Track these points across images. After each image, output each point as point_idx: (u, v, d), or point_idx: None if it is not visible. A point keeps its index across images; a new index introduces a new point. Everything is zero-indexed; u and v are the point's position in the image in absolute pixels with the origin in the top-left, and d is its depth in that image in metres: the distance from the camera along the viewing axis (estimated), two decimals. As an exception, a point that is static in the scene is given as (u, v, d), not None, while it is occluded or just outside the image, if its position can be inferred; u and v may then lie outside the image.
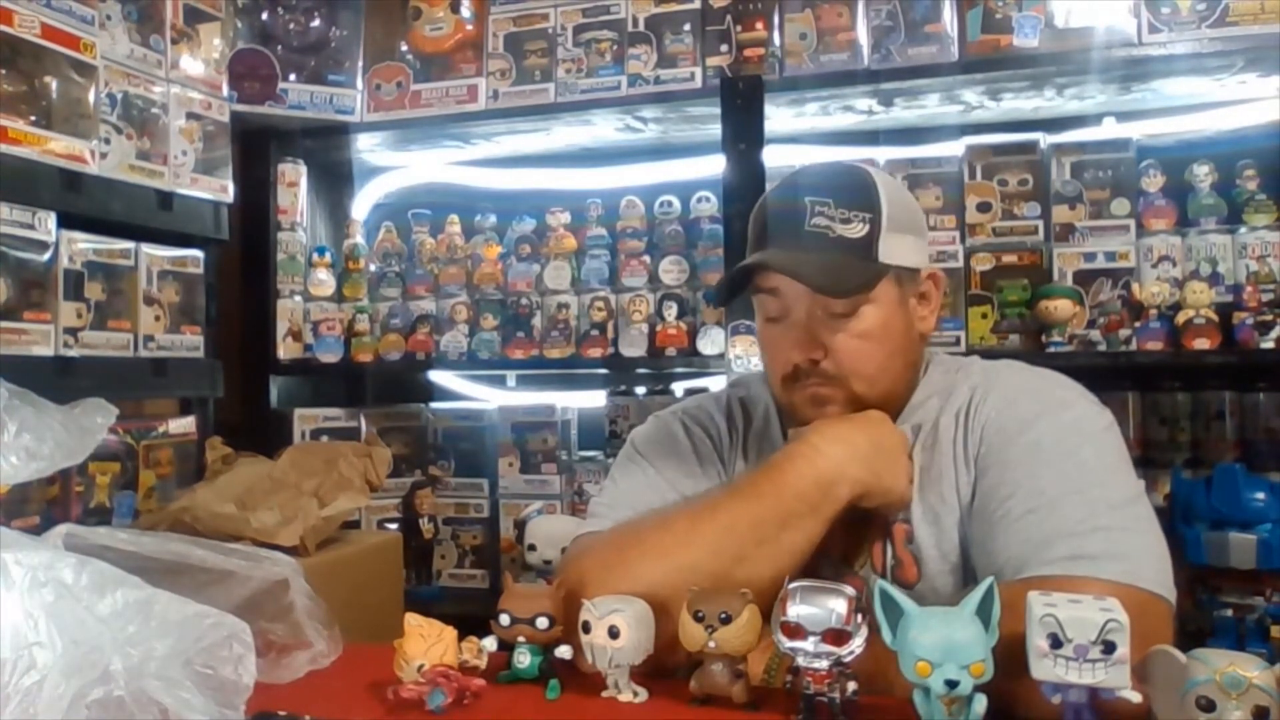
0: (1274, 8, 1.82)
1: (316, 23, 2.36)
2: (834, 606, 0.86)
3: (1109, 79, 2.00)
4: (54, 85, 1.73)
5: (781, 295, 1.14)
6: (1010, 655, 0.81)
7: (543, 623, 1.00)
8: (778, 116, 2.16)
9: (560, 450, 2.36)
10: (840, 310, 1.12)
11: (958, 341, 2.02)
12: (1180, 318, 1.86)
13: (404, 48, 2.38)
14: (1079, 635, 0.78)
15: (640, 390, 2.40)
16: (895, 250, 1.13)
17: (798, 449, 1.10)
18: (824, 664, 0.86)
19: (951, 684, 0.79)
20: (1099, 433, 1.08)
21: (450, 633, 0.99)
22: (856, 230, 1.11)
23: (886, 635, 0.84)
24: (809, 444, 1.09)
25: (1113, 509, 1.00)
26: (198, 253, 2.10)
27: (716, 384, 2.24)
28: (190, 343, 2.06)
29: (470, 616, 1.12)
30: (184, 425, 2.03)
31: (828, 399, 1.14)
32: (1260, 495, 1.67)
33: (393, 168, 2.69)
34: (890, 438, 1.12)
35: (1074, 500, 1.00)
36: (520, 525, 2.19)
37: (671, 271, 2.23)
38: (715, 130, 2.11)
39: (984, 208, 2.08)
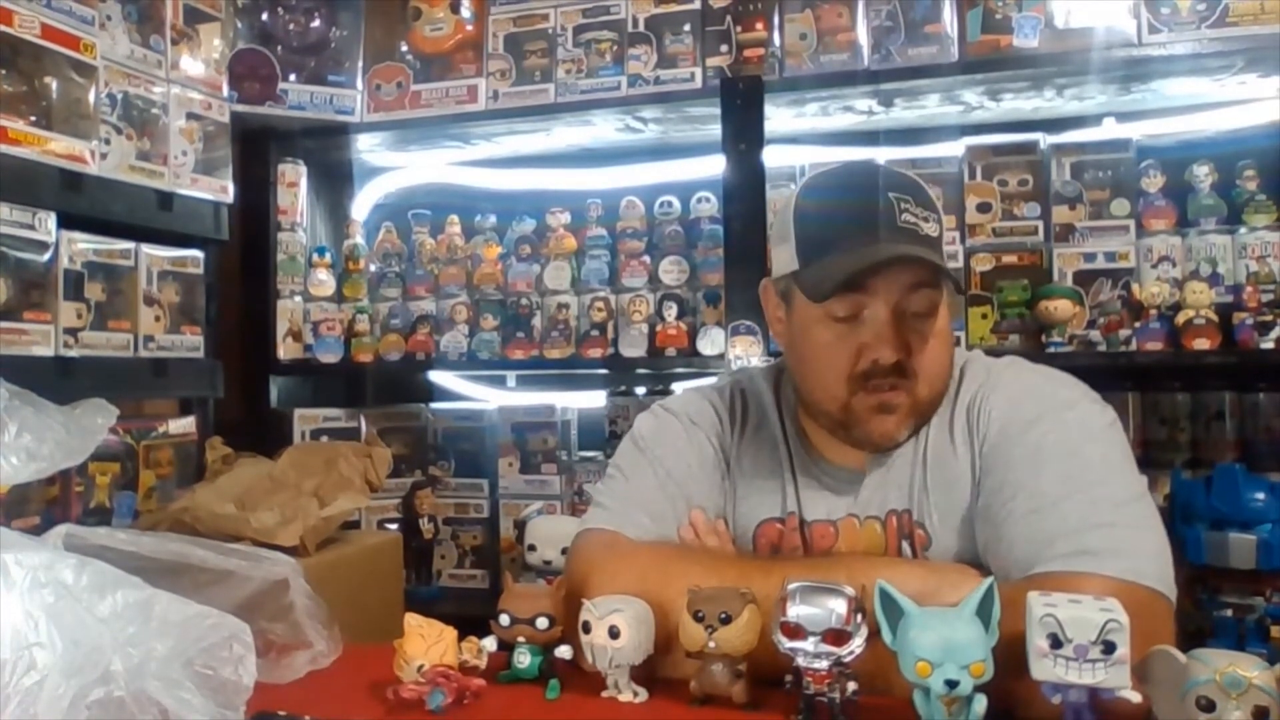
0: (1274, 8, 1.82)
1: (316, 23, 2.36)
2: (834, 607, 0.86)
3: (1109, 79, 2.00)
4: (54, 85, 1.73)
5: (871, 291, 1.08)
6: (1011, 655, 0.81)
7: (543, 623, 1.00)
8: (778, 117, 2.16)
9: (560, 450, 2.36)
10: (923, 310, 1.10)
11: (958, 342, 2.02)
12: (1180, 318, 1.86)
13: (404, 48, 2.38)
14: (1079, 635, 0.78)
15: (640, 390, 2.40)
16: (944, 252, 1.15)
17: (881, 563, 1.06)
18: (824, 664, 0.86)
19: (951, 684, 0.79)
20: (1101, 431, 1.08)
21: (450, 633, 0.99)
22: (933, 230, 1.11)
23: (886, 635, 0.84)
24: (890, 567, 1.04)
25: (1116, 507, 1.00)
26: (198, 253, 2.10)
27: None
28: (190, 343, 2.06)
29: (470, 616, 1.12)
30: (184, 425, 2.03)
31: (895, 405, 1.11)
32: (1260, 495, 1.66)
33: (393, 168, 2.69)
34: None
35: (1076, 499, 1.00)
36: (520, 525, 2.19)
37: (671, 272, 2.22)
38: (715, 130, 2.11)
39: (984, 208, 2.07)
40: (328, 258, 2.46)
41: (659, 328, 2.18)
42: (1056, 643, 0.78)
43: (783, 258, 1.16)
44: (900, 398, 1.10)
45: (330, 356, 2.39)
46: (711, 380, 1.40)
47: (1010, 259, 2.04)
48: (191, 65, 2.08)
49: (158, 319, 1.98)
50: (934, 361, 1.11)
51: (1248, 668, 0.74)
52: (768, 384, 1.29)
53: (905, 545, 1.14)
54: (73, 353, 1.76)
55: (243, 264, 2.38)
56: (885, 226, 1.08)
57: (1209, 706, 0.74)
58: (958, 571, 1.04)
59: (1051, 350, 1.93)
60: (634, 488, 1.22)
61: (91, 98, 1.80)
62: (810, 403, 1.19)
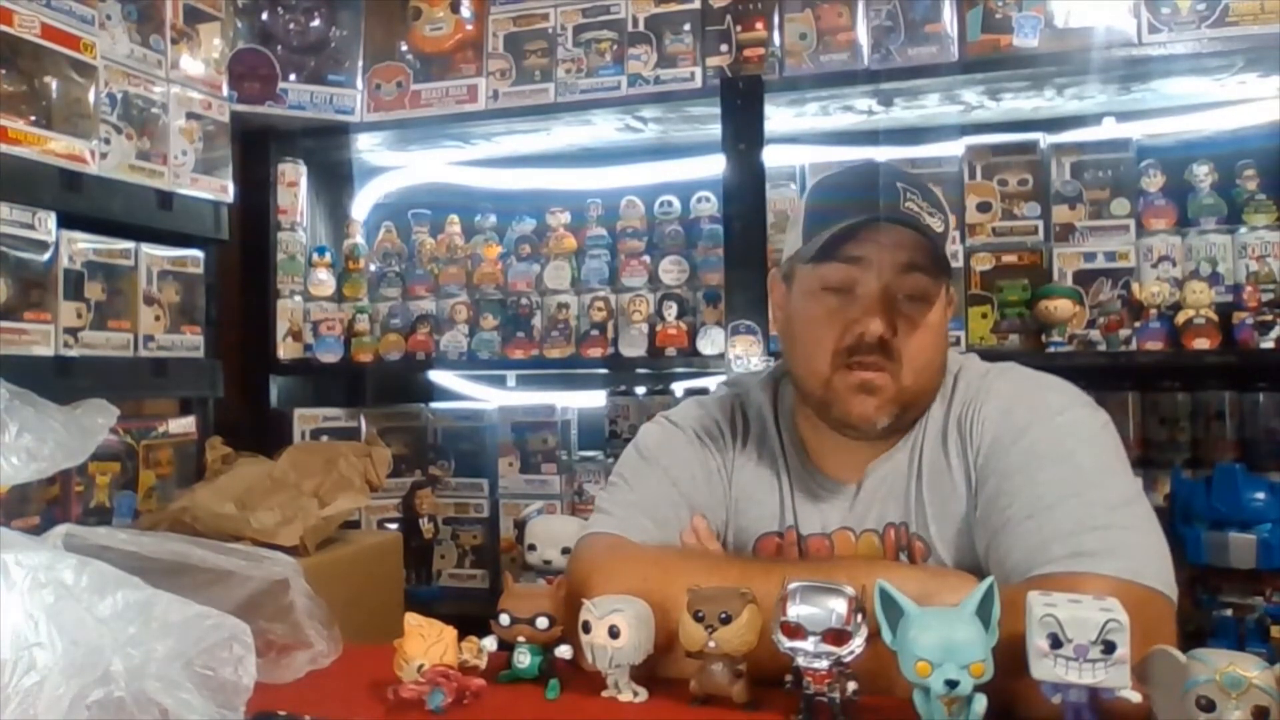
0: (1274, 8, 1.82)
1: (316, 23, 2.36)
2: (834, 606, 0.86)
3: (1109, 79, 2.00)
4: (54, 85, 1.73)
5: (864, 265, 1.10)
6: (1011, 655, 0.81)
7: (543, 623, 1.00)
8: (778, 116, 2.16)
9: (560, 450, 2.36)
10: (916, 294, 1.10)
11: (958, 341, 2.02)
12: (1180, 318, 1.86)
13: (404, 48, 2.38)
14: (1079, 635, 0.78)
15: (640, 390, 2.40)
16: (948, 254, 1.15)
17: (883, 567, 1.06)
18: (824, 664, 0.86)
19: (951, 684, 0.79)
20: (1094, 434, 1.08)
21: (450, 633, 0.99)
22: (938, 225, 1.12)
23: (886, 635, 0.84)
24: (889, 570, 1.02)
25: (1111, 509, 1.00)
26: (198, 253, 2.10)
27: (716, 384, 2.24)
28: (190, 343, 2.06)
29: (470, 616, 1.13)
30: (184, 425, 2.03)
31: (877, 387, 1.11)
32: (1260, 495, 1.66)
33: (393, 168, 2.69)
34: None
35: (1072, 503, 1.00)
36: (520, 525, 2.19)
37: (671, 271, 2.22)
38: (715, 130, 2.11)
39: (984, 208, 2.08)
40: (328, 257, 2.46)
41: (659, 327, 2.18)
42: (1056, 643, 0.78)
43: (790, 240, 1.20)
44: (883, 379, 1.11)
45: (330, 356, 2.39)
46: (711, 389, 1.41)
47: (1010, 259, 2.04)
48: (191, 65, 2.08)
49: (158, 319, 1.98)
50: (921, 350, 1.11)
51: (1248, 668, 0.74)
52: (766, 394, 1.29)
53: (904, 557, 1.14)
54: (73, 353, 1.76)
55: (243, 264, 2.38)
56: (887, 207, 1.09)
57: (1209, 706, 0.74)
58: (957, 576, 1.04)
59: (1051, 350, 1.93)
60: (638, 495, 1.23)
61: (91, 97, 1.80)
62: (798, 382, 1.21)
